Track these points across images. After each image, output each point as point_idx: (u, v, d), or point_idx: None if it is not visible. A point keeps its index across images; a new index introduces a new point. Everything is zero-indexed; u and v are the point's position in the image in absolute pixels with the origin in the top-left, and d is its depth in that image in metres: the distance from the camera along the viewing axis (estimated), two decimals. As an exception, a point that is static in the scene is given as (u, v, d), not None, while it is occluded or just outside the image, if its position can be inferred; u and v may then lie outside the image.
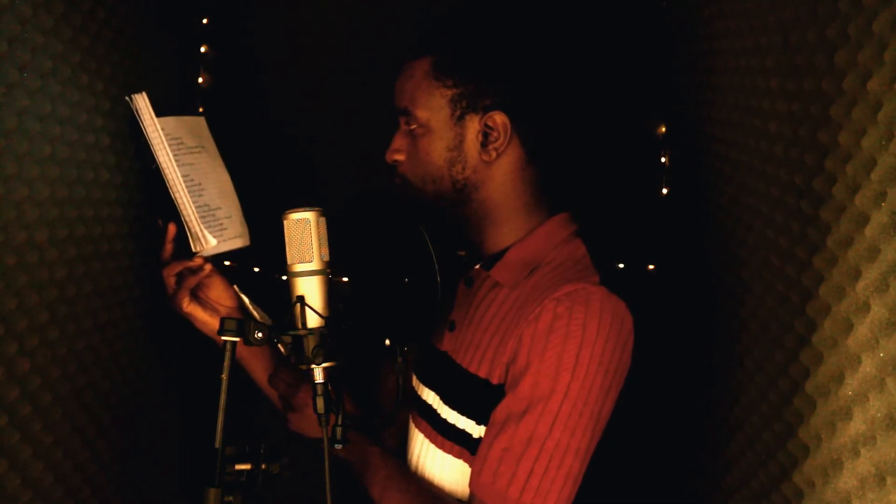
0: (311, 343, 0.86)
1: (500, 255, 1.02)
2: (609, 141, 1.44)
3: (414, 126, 1.02)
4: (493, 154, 1.00)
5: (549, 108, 1.05)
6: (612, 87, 1.43)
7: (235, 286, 1.15)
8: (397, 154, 1.05)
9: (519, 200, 1.03)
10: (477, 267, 1.06)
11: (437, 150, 1.00)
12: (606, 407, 0.90)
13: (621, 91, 1.43)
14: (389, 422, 1.22)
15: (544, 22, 1.40)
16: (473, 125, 1.00)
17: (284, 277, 0.89)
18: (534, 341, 0.90)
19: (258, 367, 1.19)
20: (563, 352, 0.88)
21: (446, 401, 1.03)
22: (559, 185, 1.07)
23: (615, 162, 1.45)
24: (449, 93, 0.99)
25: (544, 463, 0.87)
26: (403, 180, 1.05)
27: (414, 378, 1.15)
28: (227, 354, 0.81)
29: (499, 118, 0.99)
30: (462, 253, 1.14)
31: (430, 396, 1.07)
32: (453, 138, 1.00)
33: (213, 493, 0.78)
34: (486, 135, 1.00)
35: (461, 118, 1.00)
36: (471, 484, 0.93)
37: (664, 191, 1.43)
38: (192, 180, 1.14)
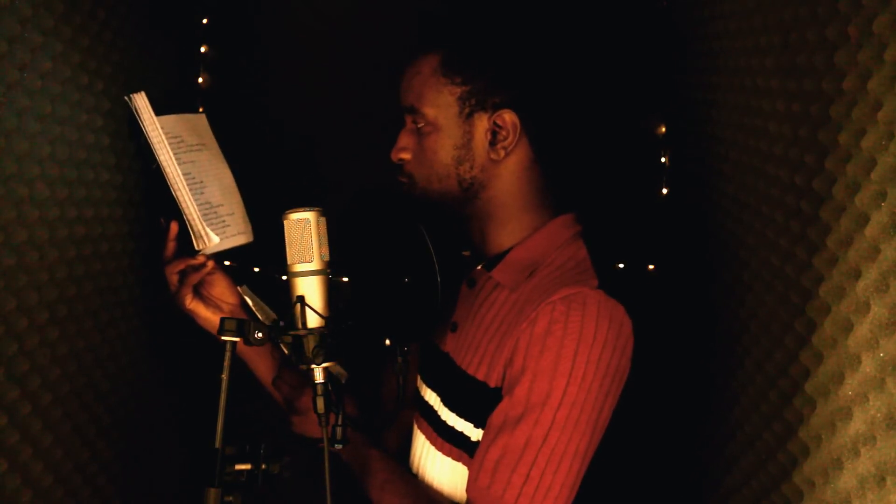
0: (311, 343, 0.86)
1: (503, 255, 1.01)
2: (610, 141, 1.44)
3: (421, 124, 1.00)
4: (502, 153, 0.98)
5: (558, 107, 1.04)
6: (613, 86, 1.43)
7: (243, 286, 1.15)
8: (403, 153, 1.03)
9: (524, 200, 1.01)
10: (479, 268, 1.05)
11: (445, 148, 0.99)
12: (605, 411, 0.89)
13: (622, 91, 1.43)
14: (390, 422, 1.22)
15: (551, 20, 1.39)
16: (482, 123, 0.98)
17: (284, 277, 0.89)
18: (530, 345, 0.89)
19: (262, 366, 1.18)
20: (560, 356, 0.87)
21: (446, 403, 1.02)
22: (563, 185, 1.06)
23: (615, 162, 1.45)
24: (458, 90, 0.98)
25: (540, 468, 0.87)
26: (409, 179, 1.03)
27: (418, 378, 1.14)
28: (227, 355, 0.81)
29: (508, 117, 0.97)
30: (467, 253, 1.13)
31: (431, 397, 1.07)
32: (461, 136, 0.98)
33: (213, 493, 0.78)
34: (494, 133, 0.98)
35: (470, 116, 0.98)
36: (467, 488, 0.93)
37: (664, 191, 1.43)
38: (194, 178, 1.14)
